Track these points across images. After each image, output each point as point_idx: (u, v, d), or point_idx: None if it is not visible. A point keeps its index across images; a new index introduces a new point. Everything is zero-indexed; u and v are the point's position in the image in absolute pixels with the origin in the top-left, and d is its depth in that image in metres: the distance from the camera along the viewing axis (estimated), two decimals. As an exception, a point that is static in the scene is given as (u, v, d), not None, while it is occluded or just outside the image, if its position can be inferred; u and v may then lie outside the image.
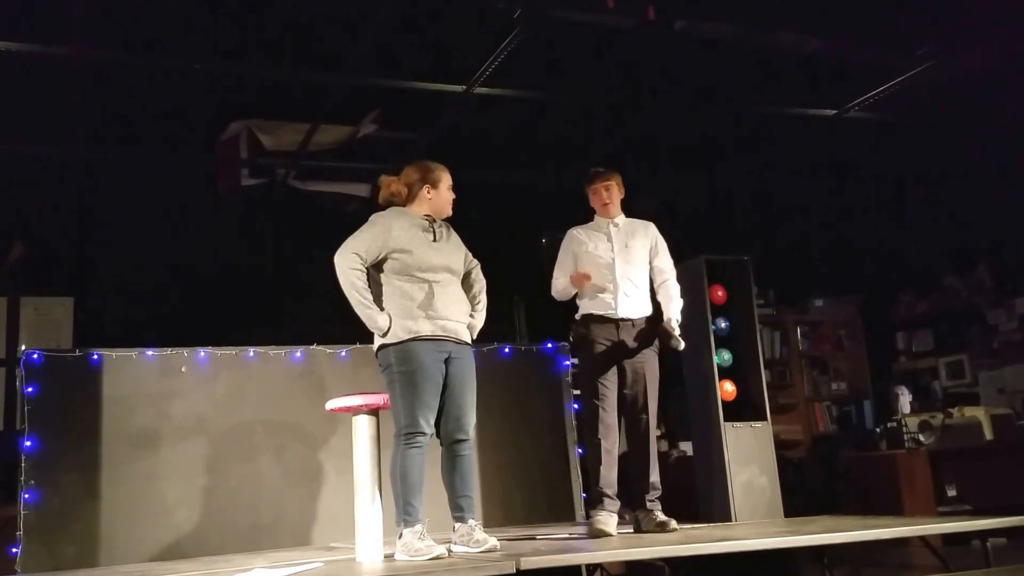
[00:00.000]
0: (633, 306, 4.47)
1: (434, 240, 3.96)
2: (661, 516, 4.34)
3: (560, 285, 4.56)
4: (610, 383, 4.43)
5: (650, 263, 4.58)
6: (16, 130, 5.83)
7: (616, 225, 4.60)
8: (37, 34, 4.94)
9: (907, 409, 6.56)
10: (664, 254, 4.62)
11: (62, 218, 6.46)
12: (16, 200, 6.09)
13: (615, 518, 4.38)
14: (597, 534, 4.23)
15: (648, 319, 4.52)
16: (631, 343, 4.43)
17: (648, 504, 4.39)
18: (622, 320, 4.43)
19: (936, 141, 6.81)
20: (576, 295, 4.54)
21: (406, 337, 3.77)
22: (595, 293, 4.47)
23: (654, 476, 4.42)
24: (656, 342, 4.50)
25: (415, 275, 3.84)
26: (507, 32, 5.22)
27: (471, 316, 4.02)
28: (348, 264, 3.79)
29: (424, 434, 3.74)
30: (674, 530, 4.26)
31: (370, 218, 3.97)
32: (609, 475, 4.39)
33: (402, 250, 3.84)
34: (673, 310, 4.48)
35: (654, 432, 4.49)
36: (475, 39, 5.37)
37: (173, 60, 5.36)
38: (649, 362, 4.46)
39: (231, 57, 5.43)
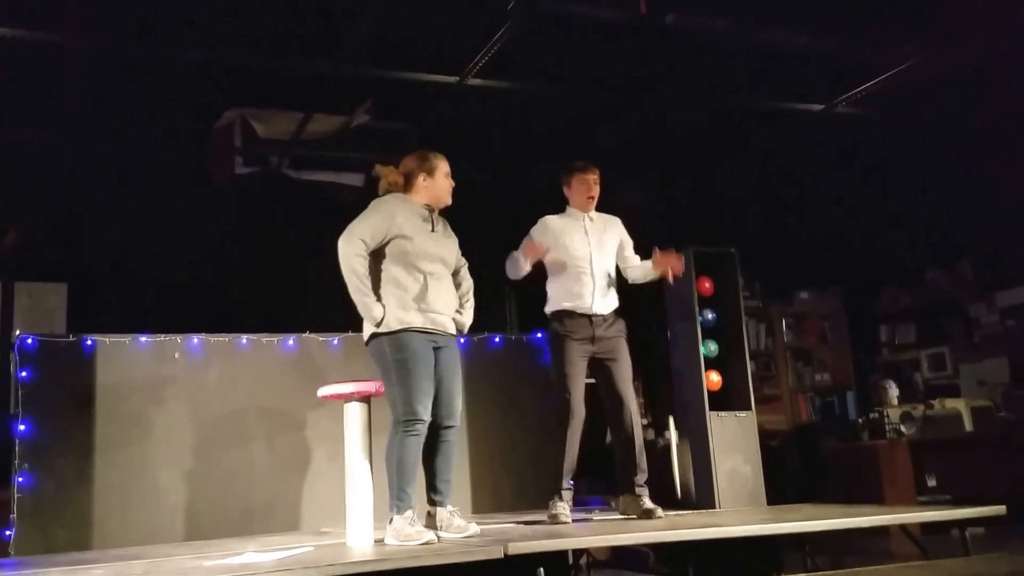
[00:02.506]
0: (607, 301, 4.54)
1: (432, 230, 4.03)
2: (648, 504, 4.39)
3: (513, 261, 4.43)
4: (582, 378, 4.47)
5: (617, 257, 4.65)
6: (10, 116, 5.84)
7: (591, 219, 4.64)
8: (33, 21, 4.95)
9: (896, 401, 6.66)
10: (631, 246, 4.70)
11: (56, 204, 6.47)
12: (10, 186, 6.09)
13: (569, 507, 4.45)
14: (558, 523, 4.31)
15: (617, 311, 4.59)
16: (605, 337, 4.48)
17: (636, 489, 4.45)
18: (596, 315, 4.48)
19: (921, 137, 6.89)
20: (546, 287, 4.57)
21: (398, 328, 3.83)
22: (573, 282, 4.46)
23: (642, 461, 4.48)
24: (624, 331, 4.56)
25: (412, 264, 3.89)
26: (500, 24, 5.27)
27: (459, 312, 4.07)
28: (353, 250, 3.83)
29: (423, 421, 3.81)
30: (660, 518, 4.32)
31: (372, 203, 4.01)
32: (569, 468, 4.46)
33: (404, 236, 3.89)
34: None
35: (639, 418, 4.55)
36: (469, 31, 5.41)
37: (167, 48, 5.38)
38: (622, 351, 4.53)
39: (225, 46, 5.45)
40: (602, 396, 4.56)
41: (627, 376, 4.51)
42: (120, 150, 6.42)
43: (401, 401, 3.81)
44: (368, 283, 3.84)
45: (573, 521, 4.34)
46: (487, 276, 4.38)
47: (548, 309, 4.59)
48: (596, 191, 4.62)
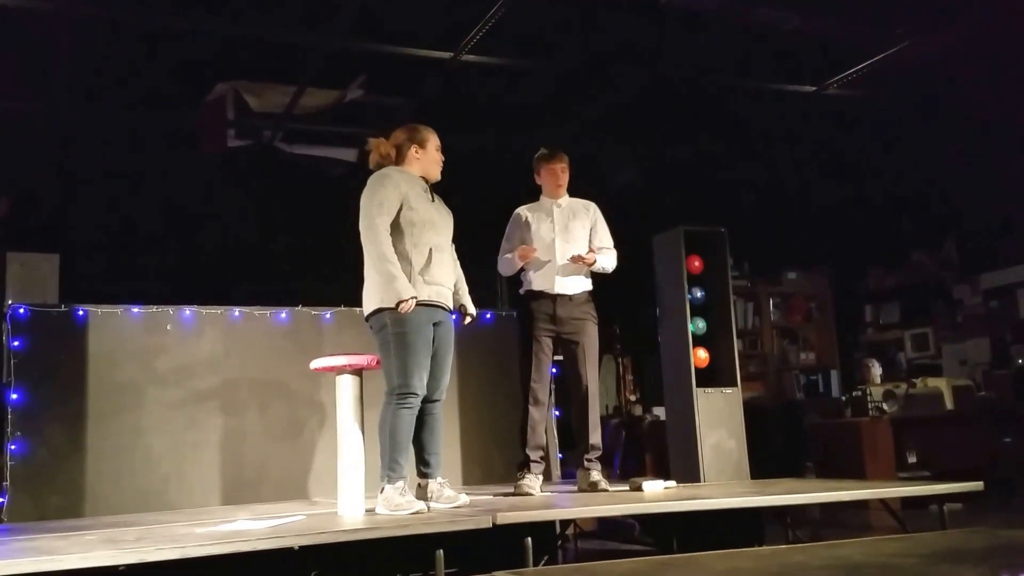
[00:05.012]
0: (571, 282, 4.66)
1: (431, 201, 4.07)
2: (594, 476, 4.57)
3: (506, 262, 4.73)
4: (545, 355, 4.63)
5: (590, 241, 4.74)
6: (1, 85, 5.81)
7: (559, 206, 4.76)
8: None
9: (879, 380, 6.76)
10: (604, 233, 4.80)
11: (48, 174, 6.44)
12: (2, 155, 6.07)
13: (540, 480, 4.61)
14: (522, 495, 4.44)
15: (587, 294, 4.70)
16: (569, 316, 4.62)
17: (586, 464, 4.62)
18: (559, 295, 4.62)
19: (910, 119, 6.94)
20: (521, 271, 4.72)
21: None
22: (540, 266, 4.63)
23: (594, 439, 4.64)
24: (594, 313, 4.70)
25: (417, 236, 3.91)
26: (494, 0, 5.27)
27: (459, 289, 4.17)
28: (381, 237, 3.84)
29: (416, 394, 3.85)
30: (605, 491, 4.47)
31: (373, 178, 3.99)
32: (535, 439, 4.61)
33: (409, 206, 3.92)
34: (600, 260, 4.66)
35: (595, 398, 4.69)
36: (464, 5, 5.40)
37: (160, 18, 5.36)
38: (587, 333, 4.66)
39: (219, 17, 5.43)
40: (564, 374, 4.75)
41: (589, 358, 4.65)
42: (112, 119, 6.40)
43: (397, 374, 3.85)
44: (398, 263, 3.83)
45: (560, 492, 4.45)
46: (479, 253, 4.43)
47: (521, 290, 4.77)
48: (564, 179, 4.75)
